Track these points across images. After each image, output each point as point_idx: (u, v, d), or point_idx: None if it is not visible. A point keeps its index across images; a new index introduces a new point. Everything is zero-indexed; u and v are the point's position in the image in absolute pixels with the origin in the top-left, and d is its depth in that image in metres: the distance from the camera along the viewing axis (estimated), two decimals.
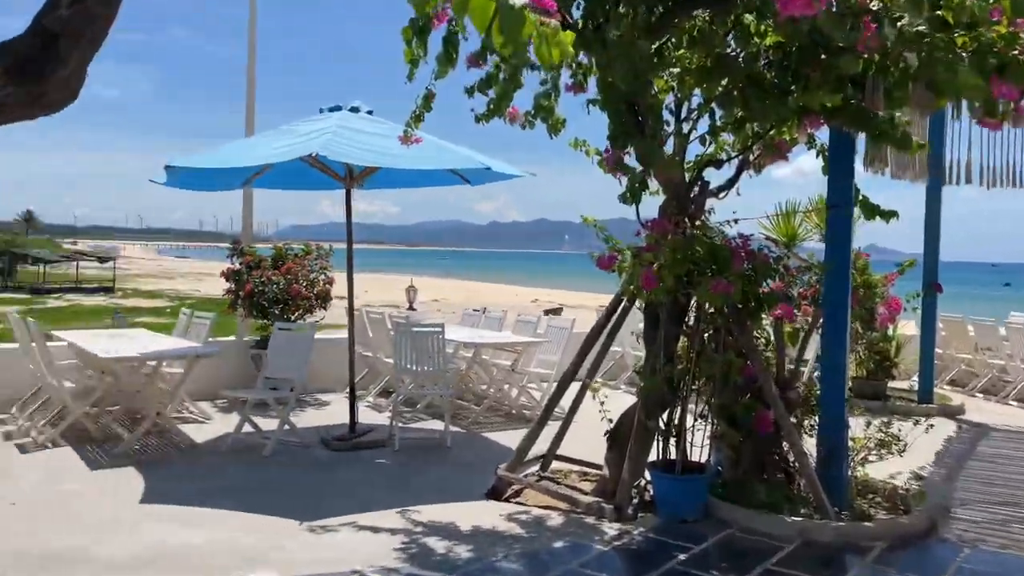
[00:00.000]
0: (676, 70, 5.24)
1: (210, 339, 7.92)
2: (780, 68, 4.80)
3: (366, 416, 7.89)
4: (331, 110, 6.72)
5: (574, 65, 5.20)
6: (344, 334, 8.13)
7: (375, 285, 47.87)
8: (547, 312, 32.89)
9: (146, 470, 5.93)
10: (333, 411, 8.04)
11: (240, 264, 8.85)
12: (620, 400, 5.98)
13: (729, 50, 5.03)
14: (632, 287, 5.37)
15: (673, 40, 5.25)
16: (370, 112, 6.86)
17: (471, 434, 7.46)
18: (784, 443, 5.25)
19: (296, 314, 8.77)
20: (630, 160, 5.32)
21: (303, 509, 5.08)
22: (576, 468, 6.05)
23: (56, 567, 4.14)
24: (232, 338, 9.16)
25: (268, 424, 6.85)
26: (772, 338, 5.60)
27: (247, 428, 6.71)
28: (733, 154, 5.62)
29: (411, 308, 20.19)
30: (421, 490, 5.66)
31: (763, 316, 5.31)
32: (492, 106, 5.01)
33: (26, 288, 43.48)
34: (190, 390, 7.75)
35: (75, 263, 52.31)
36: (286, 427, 6.67)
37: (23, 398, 7.33)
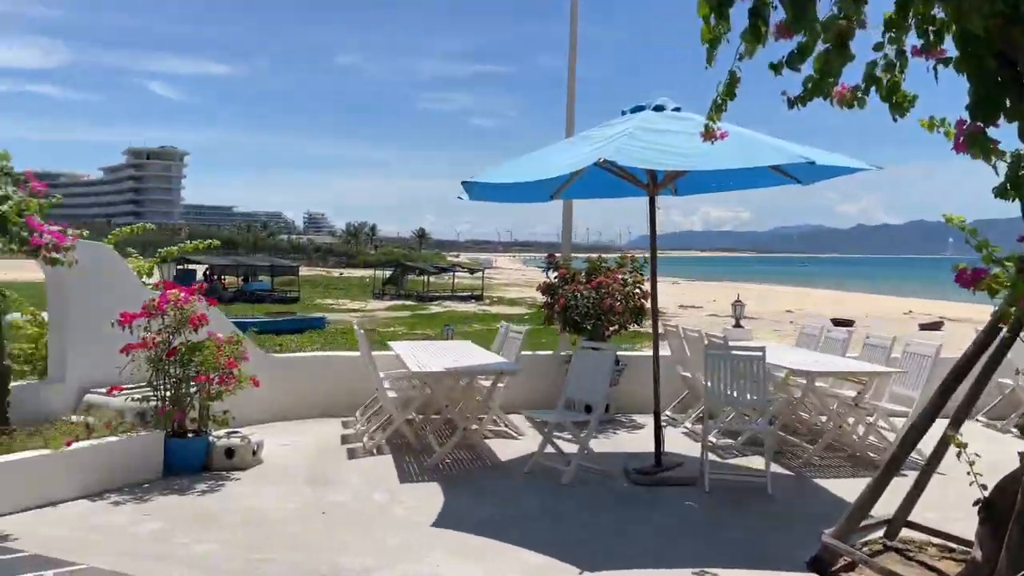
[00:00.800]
0: None
1: (523, 353, 7.86)
2: None
3: (679, 444, 7.18)
4: (633, 111, 6.16)
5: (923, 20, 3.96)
6: (665, 351, 7.48)
7: (722, 293, 46.33)
8: (924, 327, 28.56)
9: (448, 486, 5.93)
10: (646, 436, 7.42)
11: (555, 277, 8.71)
12: (1007, 448, 4.51)
13: None
14: (1014, 310, 3.93)
15: None
16: (677, 109, 6.15)
17: (800, 478, 6.33)
18: None
19: (610, 330, 8.36)
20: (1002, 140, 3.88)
21: (588, 554, 4.58)
22: (936, 541, 4.67)
23: None
24: (550, 352, 9.07)
25: (574, 447, 6.50)
26: None
27: (549, 449, 6.44)
28: None
29: (737, 325, 18.77)
30: (727, 547, 4.81)
31: None
32: (810, 84, 4.01)
33: (413, 296, 50.26)
34: (506, 403, 7.76)
35: (452, 273, 59.13)
36: (585, 452, 6.25)
37: (365, 403, 7.94)
